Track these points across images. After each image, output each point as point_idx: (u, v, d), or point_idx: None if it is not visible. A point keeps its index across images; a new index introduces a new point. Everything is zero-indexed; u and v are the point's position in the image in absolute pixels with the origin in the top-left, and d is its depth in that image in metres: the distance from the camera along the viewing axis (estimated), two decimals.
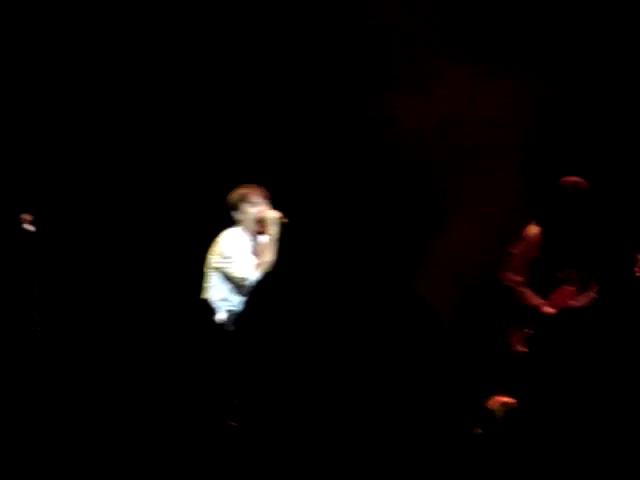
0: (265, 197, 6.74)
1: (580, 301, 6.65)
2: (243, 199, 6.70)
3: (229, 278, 6.64)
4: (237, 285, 6.65)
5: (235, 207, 6.73)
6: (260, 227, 6.73)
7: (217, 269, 6.66)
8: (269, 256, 6.63)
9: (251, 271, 6.62)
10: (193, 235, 7.59)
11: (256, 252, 6.73)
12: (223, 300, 6.68)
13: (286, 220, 6.68)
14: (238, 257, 6.63)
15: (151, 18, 8.09)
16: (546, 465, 5.82)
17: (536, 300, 6.63)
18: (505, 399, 6.44)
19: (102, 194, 8.11)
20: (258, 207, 6.69)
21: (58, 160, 8.04)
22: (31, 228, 6.52)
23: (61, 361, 7.54)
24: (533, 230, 6.69)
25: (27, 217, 6.52)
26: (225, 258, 6.63)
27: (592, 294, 6.68)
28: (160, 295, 7.99)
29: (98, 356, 7.86)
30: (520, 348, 6.63)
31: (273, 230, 6.64)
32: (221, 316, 6.66)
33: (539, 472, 5.80)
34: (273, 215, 6.67)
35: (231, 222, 6.77)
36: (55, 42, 7.97)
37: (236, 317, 6.68)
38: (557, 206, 6.65)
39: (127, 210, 8.12)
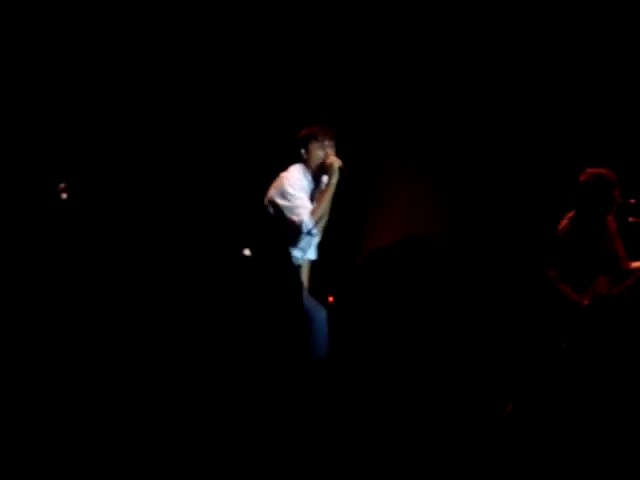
0: (334, 140, 6.45)
1: (616, 290, 6.63)
2: (312, 138, 6.43)
3: (283, 217, 6.37)
4: (290, 226, 6.36)
5: (303, 145, 6.45)
6: (321, 171, 6.42)
7: (274, 204, 6.41)
8: (324, 204, 6.33)
9: (306, 215, 6.31)
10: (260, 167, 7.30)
11: (313, 197, 6.42)
12: None
13: (348, 173, 6.35)
14: (297, 197, 6.35)
15: None
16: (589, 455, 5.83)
17: (574, 295, 6.61)
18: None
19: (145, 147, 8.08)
20: (325, 149, 6.40)
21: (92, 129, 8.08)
22: (64, 196, 6.66)
23: (90, 321, 7.63)
24: (562, 223, 6.69)
25: (61, 186, 6.68)
26: (284, 195, 6.38)
27: (627, 283, 6.65)
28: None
29: (133, 316, 7.90)
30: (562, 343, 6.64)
31: (333, 177, 6.34)
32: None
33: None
34: (335, 162, 6.38)
35: (297, 159, 6.48)
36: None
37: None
38: (584, 198, 6.64)
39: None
